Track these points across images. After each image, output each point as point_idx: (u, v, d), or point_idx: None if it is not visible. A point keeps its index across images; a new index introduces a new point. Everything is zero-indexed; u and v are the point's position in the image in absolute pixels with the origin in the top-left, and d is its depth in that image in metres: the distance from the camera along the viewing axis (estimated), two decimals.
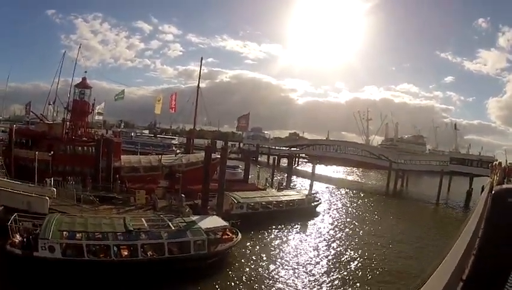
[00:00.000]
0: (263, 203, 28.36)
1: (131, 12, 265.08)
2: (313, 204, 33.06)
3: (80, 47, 49.96)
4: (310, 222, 29.46)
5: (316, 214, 32.45)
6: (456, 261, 3.73)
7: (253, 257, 19.93)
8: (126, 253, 16.30)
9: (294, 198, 31.60)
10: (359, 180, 71.79)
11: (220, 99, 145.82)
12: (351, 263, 20.57)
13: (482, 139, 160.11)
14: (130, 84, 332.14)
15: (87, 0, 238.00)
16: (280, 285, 16.90)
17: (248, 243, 21.72)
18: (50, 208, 20.83)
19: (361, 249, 23.21)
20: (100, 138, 32.80)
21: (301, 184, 50.20)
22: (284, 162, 73.17)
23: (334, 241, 24.86)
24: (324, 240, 24.95)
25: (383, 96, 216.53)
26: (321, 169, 63.95)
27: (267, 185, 37.25)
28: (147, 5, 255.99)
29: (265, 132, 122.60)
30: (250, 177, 40.97)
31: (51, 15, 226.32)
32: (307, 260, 20.47)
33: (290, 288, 16.78)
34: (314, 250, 22.49)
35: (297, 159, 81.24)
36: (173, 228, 18.02)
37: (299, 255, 21.32)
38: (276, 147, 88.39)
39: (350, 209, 37.96)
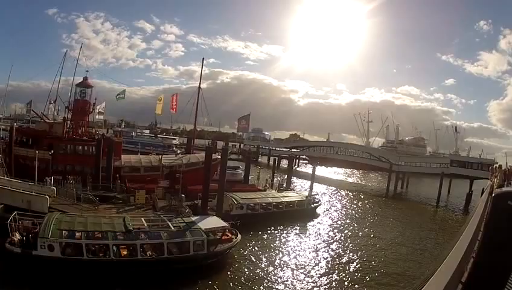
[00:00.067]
0: (263, 204, 28.35)
1: (133, 12, 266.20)
2: (312, 205, 33.06)
3: (81, 46, 50.37)
4: (310, 223, 29.43)
5: (316, 216, 32.42)
6: (455, 264, 3.73)
7: (253, 258, 19.92)
8: (125, 253, 16.29)
9: (294, 199, 31.58)
10: (359, 182, 71.74)
11: (220, 100, 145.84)
12: (350, 264, 20.54)
13: (482, 142, 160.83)
14: (131, 84, 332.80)
15: (88, 0, 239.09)
16: (279, 286, 16.88)
17: (247, 244, 21.72)
18: (50, 206, 20.87)
19: (361, 250, 23.20)
20: (101, 137, 32.90)
21: (301, 185, 50.21)
22: (285, 163, 73.25)
23: (333, 242, 24.83)
24: (323, 241, 24.92)
25: (383, 98, 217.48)
26: (321, 170, 64.05)
27: (267, 186, 37.21)
28: (149, 5, 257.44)
29: (266, 133, 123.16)
30: (250, 178, 40.98)
31: (52, 14, 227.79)
32: (306, 262, 20.44)
33: (289, 289, 16.77)
34: (313, 251, 22.46)
35: (297, 161, 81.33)
36: (173, 228, 18.02)
37: (298, 256, 21.29)
38: (277, 148, 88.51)
39: (350, 211, 37.92)
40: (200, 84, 43.77)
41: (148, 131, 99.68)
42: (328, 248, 23.52)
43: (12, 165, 27.17)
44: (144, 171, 32.61)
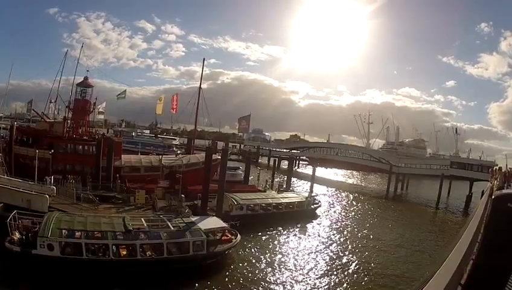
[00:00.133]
0: (263, 205, 28.33)
1: (134, 12, 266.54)
2: (312, 206, 33.04)
3: (82, 46, 50.32)
4: (310, 225, 29.42)
5: (316, 217, 32.41)
6: (454, 266, 3.72)
7: (252, 259, 19.90)
8: (125, 252, 16.29)
9: (294, 200, 31.56)
10: (359, 183, 71.70)
11: (221, 101, 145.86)
12: (349, 266, 20.52)
13: (482, 144, 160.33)
14: (131, 84, 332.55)
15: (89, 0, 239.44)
16: (278, 287, 16.86)
17: (247, 245, 21.71)
18: (49, 206, 20.87)
19: (360, 252, 23.18)
20: (101, 137, 32.92)
21: (301, 186, 50.20)
22: (285, 164, 73.26)
23: (332, 244, 24.82)
24: (323, 242, 24.90)
25: (384, 100, 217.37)
26: (321, 172, 64.03)
27: (267, 186, 37.19)
28: (150, 5, 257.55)
29: (266, 134, 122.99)
30: (250, 178, 40.97)
31: (53, 13, 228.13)
32: (305, 263, 20.43)
33: None
34: (312, 252, 22.43)
35: (297, 162, 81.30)
36: (172, 229, 18.01)
37: (297, 257, 21.28)
38: (277, 149, 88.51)
39: (349, 212, 37.90)
40: (200, 84, 43.85)
41: (148, 131, 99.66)
42: (327, 249, 23.50)
43: (13, 164, 27.17)
44: (144, 171, 32.62)
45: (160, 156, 34.69)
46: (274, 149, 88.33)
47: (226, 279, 16.98)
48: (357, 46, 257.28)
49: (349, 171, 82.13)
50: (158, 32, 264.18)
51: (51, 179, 24.85)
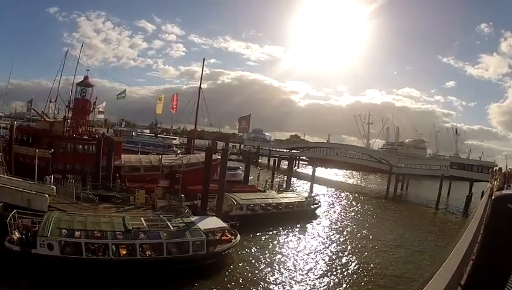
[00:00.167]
0: (263, 205, 28.32)
1: (134, 11, 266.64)
2: (312, 207, 33.04)
3: (82, 45, 50.37)
4: (309, 225, 29.42)
5: (315, 217, 32.41)
6: (454, 267, 3.72)
7: (252, 259, 19.90)
8: (124, 252, 16.29)
9: (294, 200, 31.56)
10: (359, 183, 71.71)
11: (221, 101, 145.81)
12: (349, 266, 20.52)
13: (482, 144, 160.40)
14: (131, 83, 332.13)
15: None
16: (277, 287, 16.86)
17: (247, 245, 21.70)
18: (49, 205, 20.86)
19: (360, 252, 23.18)
20: (101, 136, 32.91)
21: (301, 186, 50.20)
22: (285, 164, 73.25)
23: (332, 244, 24.82)
24: (322, 242, 24.91)
25: (384, 100, 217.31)
26: (321, 172, 64.03)
27: (267, 186, 37.19)
28: (150, 5, 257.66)
29: (266, 134, 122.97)
30: (250, 178, 40.96)
31: (53, 13, 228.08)
32: (305, 263, 20.43)
33: None
34: (312, 253, 22.43)
35: (297, 162, 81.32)
36: (172, 228, 18.01)
37: (297, 257, 21.27)
38: (277, 149, 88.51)
39: (349, 212, 37.90)
40: (200, 84, 43.85)
41: (148, 131, 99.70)
42: (327, 249, 23.50)
43: (12, 164, 27.16)
44: (144, 170, 32.62)
45: (160, 156, 34.69)
46: (274, 149, 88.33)
47: (226, 279, 16.98)
48: (357, 46, 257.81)
49: (349, 171, 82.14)
50: (158, 32, 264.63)
51: (50, 178, 24.85)
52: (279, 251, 22.06)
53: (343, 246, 24.48)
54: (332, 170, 77.99)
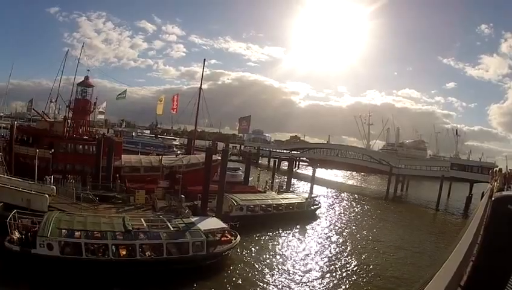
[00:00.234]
0: (263, 205, 28.31)
1: (134, 11, 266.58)
2: (312, 208, 33.02)
3: (83, 46, 50.27)
4: (309, 226, 29.39)
5: (315, 218, 32.38)
6: (454, 268, 3.72)
7: (252, 260, 19.89)
8: (124, 253, 16.28)
9: (294, 201, 31.54)
10: (359, 184, 71.71)
11: (221, 101, 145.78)
12: (349, 268, 20.49)
13: (483, 145, 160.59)
14: (132, 84, 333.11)
15: None
16: (277, 289, 16.84)
17: (247, 246, 21.69)
18: (49, 205, 20.87)
19: (360, 254, 23.15)
20: (101, 137, 32.91)
21: (301, 187, 50.18)
22: (285, 165, 73.14)
23: (332, 245, 24.80)
24: (322, 244, 24.89)
25: (384, 101, 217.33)
26: (321, 173, 63.91)
27: (267, 187, 37.17)
28: (151, 5, 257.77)
29: (266, 135, 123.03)
30: (250, 179, 40.93)
31: (54, 13, 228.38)
32: (305, 264, 20.41)
33: None
34: (312, 254, 22.40)
35: (297, 163, 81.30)
36: (172, 229, 17.99)
37: (297, 258, 21.26)
38: (277, 150, 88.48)
39: (349, 213, 37.88)
40: (201, 85, 43.90)
41: (148, 131, 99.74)
42: (326, 250, 23.50)
43: (13, 164, 27.17)
44: (144, 171, 32.61)
45: (160, 157, 34.71)
46: (274, 150, 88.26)
47: (225, 280, 16.96)
48: (357, 47, 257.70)
49: (349, 172, 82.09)
50: (159, 33, 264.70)
51: (50, 178, 24.85)
52: (279, 251, 22.05)
53: (343, 247, 24.46)
54: (332, 171, 77.91)
